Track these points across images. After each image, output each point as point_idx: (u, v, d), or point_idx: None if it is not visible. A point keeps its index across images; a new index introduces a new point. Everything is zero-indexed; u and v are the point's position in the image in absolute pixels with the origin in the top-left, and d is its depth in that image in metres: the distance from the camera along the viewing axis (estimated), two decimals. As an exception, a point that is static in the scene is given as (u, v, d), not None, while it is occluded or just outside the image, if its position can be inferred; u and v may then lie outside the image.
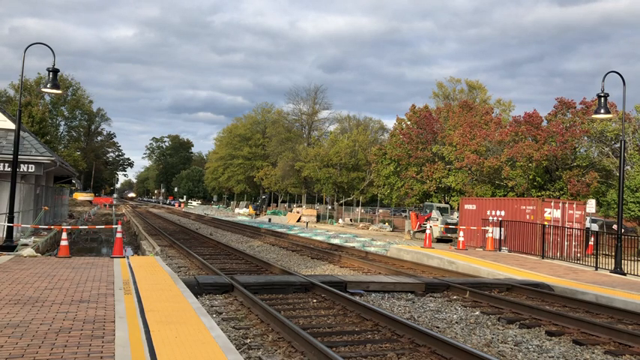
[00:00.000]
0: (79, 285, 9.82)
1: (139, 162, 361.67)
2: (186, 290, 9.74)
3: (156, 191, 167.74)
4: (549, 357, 7.83)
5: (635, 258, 18.34)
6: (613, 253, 17.94)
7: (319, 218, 56.26)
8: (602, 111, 17.26)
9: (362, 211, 61.49)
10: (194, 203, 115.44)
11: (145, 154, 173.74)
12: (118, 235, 15.06)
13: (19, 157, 16.78)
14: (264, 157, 79.96)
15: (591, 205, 25.14)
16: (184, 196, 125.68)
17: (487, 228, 23.26)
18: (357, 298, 10.96)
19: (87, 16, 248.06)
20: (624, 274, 16.19)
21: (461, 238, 23.04)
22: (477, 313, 10.75)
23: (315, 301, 11.23)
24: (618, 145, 23.88)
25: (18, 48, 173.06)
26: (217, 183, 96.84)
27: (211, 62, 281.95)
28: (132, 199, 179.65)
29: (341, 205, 58.85)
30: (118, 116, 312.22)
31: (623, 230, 17.83)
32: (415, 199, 38.95)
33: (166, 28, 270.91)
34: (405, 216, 46.02)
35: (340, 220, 53.42)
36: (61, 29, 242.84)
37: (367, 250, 23.22)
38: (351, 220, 54.18)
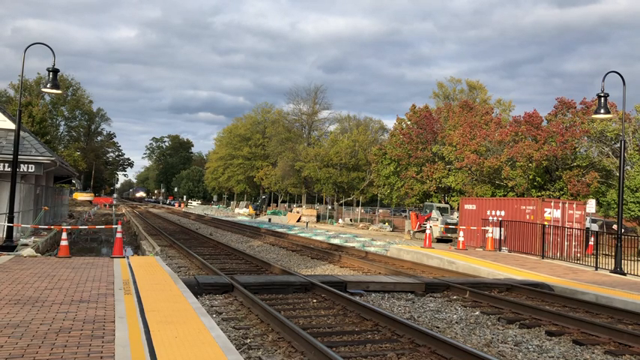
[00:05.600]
0: (79, 285, 9.82)
1: (139, 162, 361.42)
2: (186, 290, 9.73)
3: (156, 191, 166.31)
4: (549, 357, 7.83)
5: (635, 258, 18.33)
6: (613, 253, 17.93)
7: (319, 218, 56.24)
8: (602, 111, 17.26)
9: (362, 211, 61.48)
10: (194, 203, 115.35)
11: (145, 154, 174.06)
12: (118, 235, 15.06)
13: (19, 157, 16.78)
14: (264, 157, 79.93)
15: (591, 205, 25.13)
16: (184, 196, 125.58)
17: (487, 228, 23.26)
18: (357, 298, 10.96)
19: (89, 17, 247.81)
20: (624, 274, 16.19)
21: (461, 238, 23.04)
22: (477, 313, 10.75)
23: (315, 301, 11.22)
24: (618, 145, 23.87)
25: (20, 49, 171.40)
26: (217, 183, 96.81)
27: (212, 63, 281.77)
28: (141, 199, 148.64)
29: (341, 205, 58.83)
30: (118, 116, 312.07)
31: (623, 230, 17.82)
32: (415, 199, 38.96)
33: (168, 29, 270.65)
34: (405, 216, 46.02)
35: (340, 220, 53.40)
36: (63, 30, 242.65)
37: (367, 250, 23.21)
38: (351, 220, 54.17)
